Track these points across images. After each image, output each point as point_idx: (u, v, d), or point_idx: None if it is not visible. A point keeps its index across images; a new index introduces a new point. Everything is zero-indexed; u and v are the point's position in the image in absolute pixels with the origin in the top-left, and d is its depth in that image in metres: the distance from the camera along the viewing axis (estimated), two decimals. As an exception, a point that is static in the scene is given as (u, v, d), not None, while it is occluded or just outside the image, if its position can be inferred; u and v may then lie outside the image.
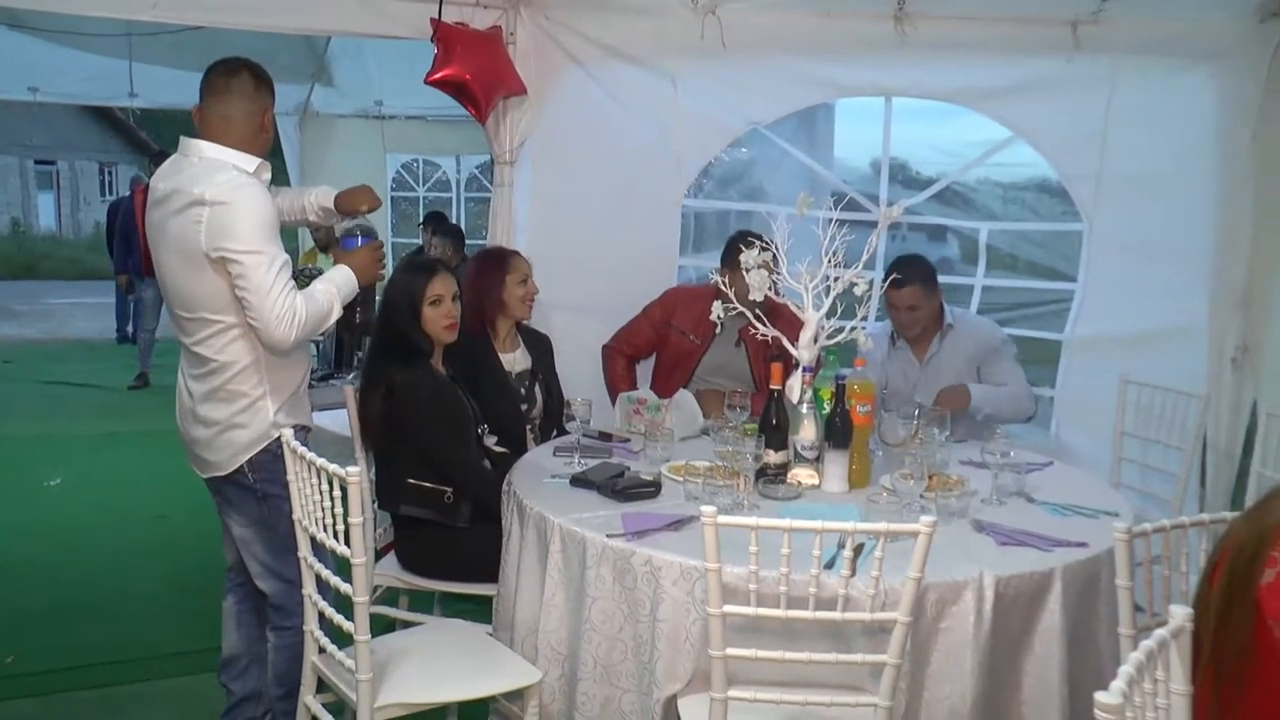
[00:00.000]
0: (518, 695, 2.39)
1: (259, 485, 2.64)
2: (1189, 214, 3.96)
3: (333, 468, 2.18)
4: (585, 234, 4.04)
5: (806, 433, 2.69)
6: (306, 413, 2.78)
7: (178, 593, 4.14)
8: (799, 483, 2.68)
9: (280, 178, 3.21)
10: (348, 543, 2.18)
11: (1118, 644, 2.10)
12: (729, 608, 1.95)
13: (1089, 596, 2.29)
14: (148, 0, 3.37)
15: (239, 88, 2.60)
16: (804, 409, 2.70)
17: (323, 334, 3.79)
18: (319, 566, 2.33)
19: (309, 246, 7.39)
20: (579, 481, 2.69)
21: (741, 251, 2.96)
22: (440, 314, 3.03)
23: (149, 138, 20.03)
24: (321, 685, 2.44)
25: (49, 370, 9.58)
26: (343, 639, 2.28)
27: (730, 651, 1.97)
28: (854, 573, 1.94)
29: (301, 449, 2.30)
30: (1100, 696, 1.26)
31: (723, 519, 1.91)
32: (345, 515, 2.17)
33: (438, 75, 3.63)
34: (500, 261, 3.47)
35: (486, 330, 3.45)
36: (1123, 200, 4.01)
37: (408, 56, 4.86)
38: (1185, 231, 3.97)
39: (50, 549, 4.69)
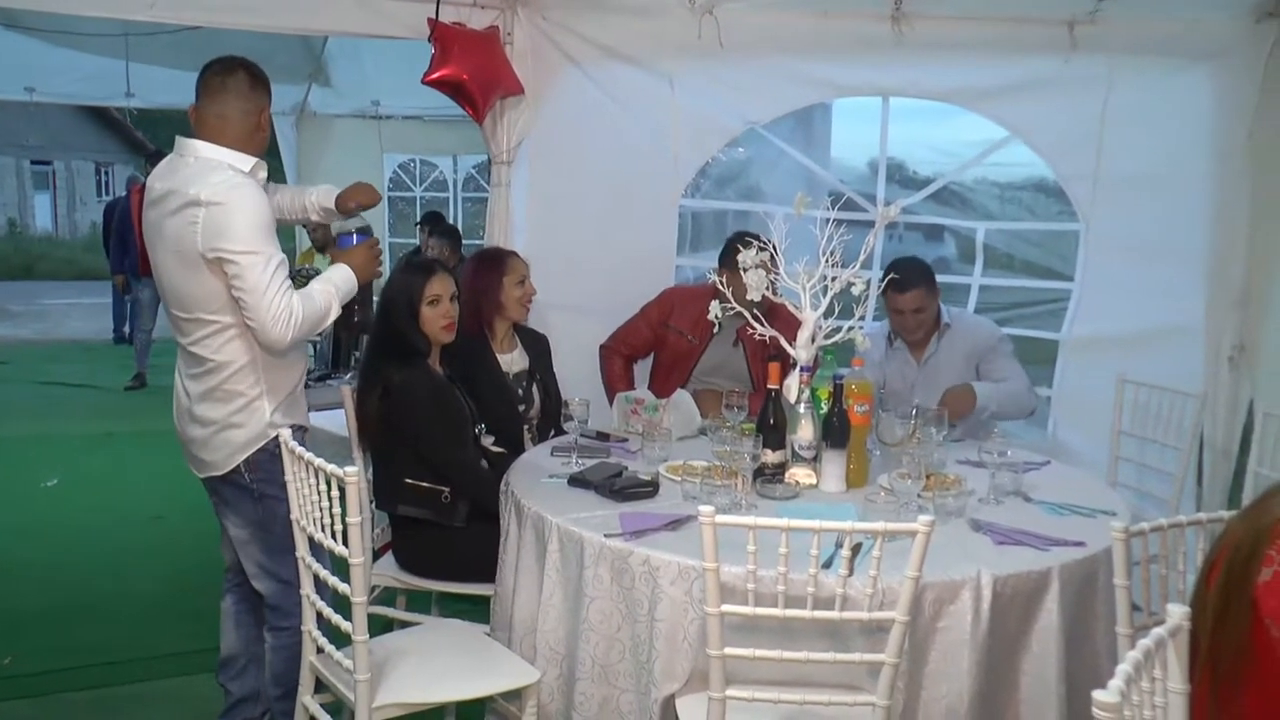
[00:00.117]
0: (515, 695, 2.39)
1: (255, 485, 2.64)
2: (1186, 214, 3.96)
3: (330, 468, 2.18)
4: (583, 234, 4.04)
5: (804, 432, 2.69)
6: (303, 413, 2.78)
7: (175, 593, 4.13)
8: (797, 482, 2.68)
9: (277, 178, 3.21)
10: (345, 543, 2.18)
11: (1115, 643, 2.11)
12: (727, 607, 1.95)
13: (1086, 595, 2.29)
14: (145, 0, 3.36)
15: (235, 87, 2.60)
16: (801, 409, 2.70)
17: (320, 334, 3.79)
18: (317, 567, 2.33)
19: (306, 246, 7.39)
20: (577, 481, 2.69)
21: (740, 252, 2.97)
22: (438, 314, 3.03)
23: (145, 138, 20.01)
24: (320, 685, 2.44)
25: (45, 371, 9.57)
26: (341, 639, 2.28)
27: (728, 651, 1.97)
28: (852, 572, 1.94)
29: (299, 449, 2.30)
30: (1098, 695, 1.26)
31: (721, 518, 1.91)
32: (343, 515, 2.17)
33: (435, 75, 3.62)
34: (498, 262, 3.47)
35: (484, 331, 3.44)
36: (1119, 200, 4.02)
37: (405, 56, 4.85)
38: (1182, 231, 3.97)
39: (47, 549, 4.69)
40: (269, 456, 2.59)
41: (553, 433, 3.41)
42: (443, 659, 2.46)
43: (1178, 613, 1.49)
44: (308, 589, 2.38)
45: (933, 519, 1.92)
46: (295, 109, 7.97)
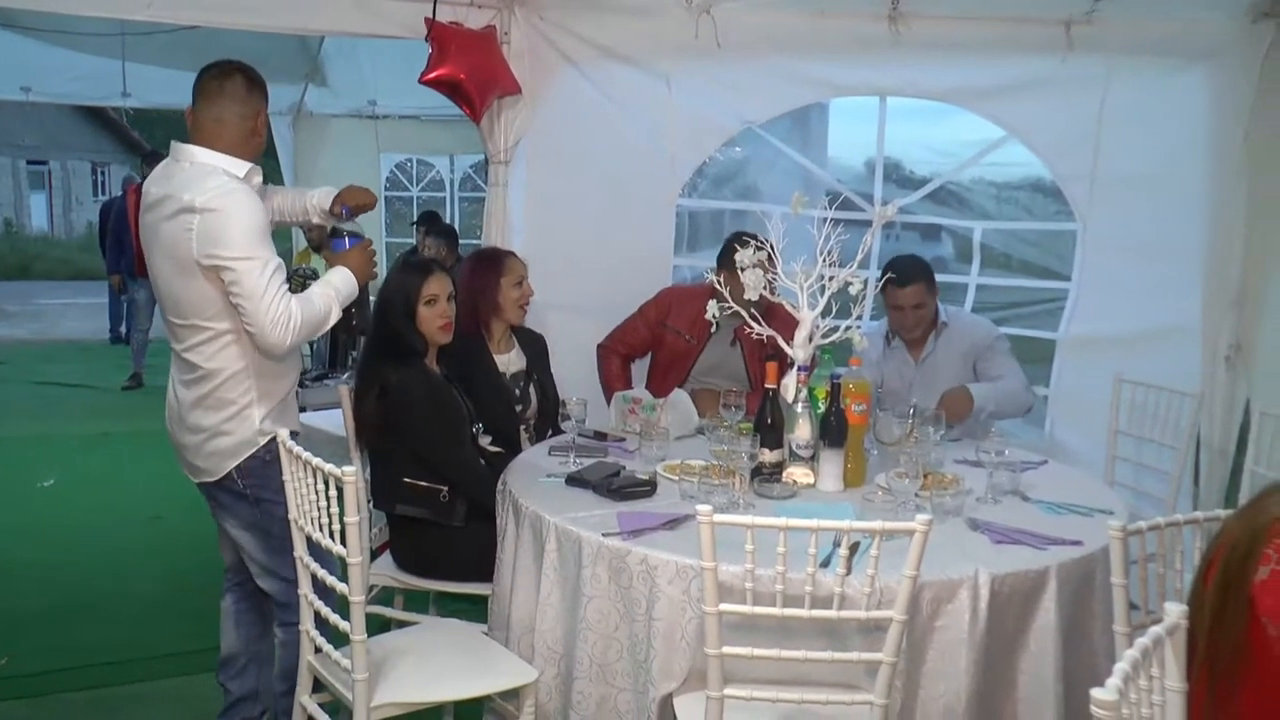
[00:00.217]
0: (513, 694, 2.40)
1: (250, 490, 2.64)
2: (1182, 213, 3.97)
3: (328, 467, 2.18)
4: (580, 233, 4.04)
5: (802, 432, 2.70)
6: (294, 419, 2.77)
7: (174, 593, 4.13)
8: (794, 481, 2.68)
9: (274, 178, 3.21)
10: (344, 542, 2.18)
11: (1112, 641, 2.11)
12: (725, 606, 1.95)
13: (1084, 594, 2.29)
14: (142, 0, 3.36)
15: (232, 91, 2.60)
16: (799, 408, 2.70)
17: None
18: (315, 566, 2.33)
19: (303, 246, 7.38)
20: (574, 481, 2.69)
21: (737, 251, 2.97)
22: (435, 314, 3.03)
23: (141, 138, 20.02)
24: (318, 685, 2.44)
25: (42, 371, 9.56)
26: (339, 638, 2.28)
27: (726, 650, 1.97)
28: (849, 571, 1.94)
29: (298, 449, 2.30)
30: (1097, 693, 1.26)
31: (718, 517, 1.91)
32: (341, 515, 2.17)
33: (432, 75, 3.62)
34: (496, 263, 3.46)
35: (481, 331, 3.44)
36: (1116, 200, 4.02)
37: (402, 56, 4.85)
38: (1179, 231, 3.98)
39: (45, 550, 4.68)
40: (261, 463, 2.60)
41: (550, 432, 3.41)
42: (441, 658, 2.46)
43: (1175, 611, 1.50)
44: (306, 588, 2.38)
45: (930, 518, 1.92)
46: (292, 109, 7.96)
